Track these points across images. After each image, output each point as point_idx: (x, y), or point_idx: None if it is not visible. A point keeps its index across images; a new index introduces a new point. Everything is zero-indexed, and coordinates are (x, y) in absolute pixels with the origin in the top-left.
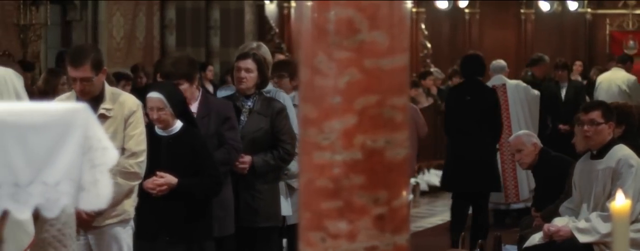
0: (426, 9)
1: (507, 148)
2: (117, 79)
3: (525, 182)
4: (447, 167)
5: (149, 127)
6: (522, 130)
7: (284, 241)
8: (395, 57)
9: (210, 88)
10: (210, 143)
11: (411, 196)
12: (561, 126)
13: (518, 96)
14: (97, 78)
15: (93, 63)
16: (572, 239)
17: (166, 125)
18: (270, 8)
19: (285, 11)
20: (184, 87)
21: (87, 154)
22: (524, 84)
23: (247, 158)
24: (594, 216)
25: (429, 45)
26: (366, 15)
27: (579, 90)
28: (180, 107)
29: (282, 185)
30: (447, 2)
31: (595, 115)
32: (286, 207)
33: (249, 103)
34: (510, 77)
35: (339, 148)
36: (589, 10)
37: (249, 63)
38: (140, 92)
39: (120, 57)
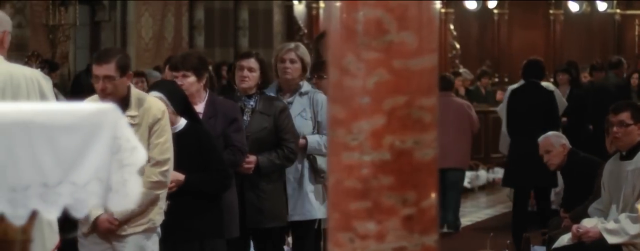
0: (455, 9)
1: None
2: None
3: None
4: (511, 164)
5: None
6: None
7: (289, 239)
8: (423, 58)
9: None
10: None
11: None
12: None
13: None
14: (120, 81)
15: (118, 64)
16: (601, 240)
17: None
18: (299, 8)
19: (314, 12)
20: (191, 80)
21: (116, 154)
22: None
23: (253, 158)
24: (622, 217)
25: (457, 45)
26: (395, 15)
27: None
28: (181, 105)
29: (319, 188)
30: (475, 3)
31: (625, 116)
32: (323, 210)
33: (251, 103)
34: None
35: (368, 148)
36: (618, 10)
37: (252, 62)
38: None
39: (148, 57)
